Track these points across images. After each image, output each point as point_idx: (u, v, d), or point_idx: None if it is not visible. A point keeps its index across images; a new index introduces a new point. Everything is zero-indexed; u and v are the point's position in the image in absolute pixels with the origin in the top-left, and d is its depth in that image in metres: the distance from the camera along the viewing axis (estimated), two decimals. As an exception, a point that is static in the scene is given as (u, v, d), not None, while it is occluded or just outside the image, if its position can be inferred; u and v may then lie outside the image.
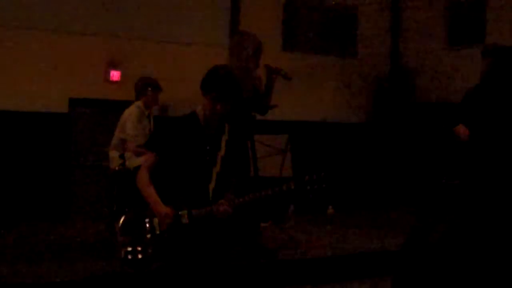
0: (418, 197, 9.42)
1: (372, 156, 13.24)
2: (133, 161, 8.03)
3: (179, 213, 4.83)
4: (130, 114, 8.41)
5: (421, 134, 12.97)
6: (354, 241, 9.07)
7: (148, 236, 4.87)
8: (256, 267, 7.21)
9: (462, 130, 7.07)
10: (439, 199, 8.66)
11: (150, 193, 4.89)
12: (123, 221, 5.02)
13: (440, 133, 8.96)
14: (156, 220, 4.88)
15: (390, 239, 9.20)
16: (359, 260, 8.22)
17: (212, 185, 4.93)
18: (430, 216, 6.99)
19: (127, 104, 8.80)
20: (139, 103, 8.49)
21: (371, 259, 8.28)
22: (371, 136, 13.41)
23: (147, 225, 4.90)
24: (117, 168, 8.07)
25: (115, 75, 11.25)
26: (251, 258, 7.39)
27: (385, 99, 13.59)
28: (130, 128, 8.28)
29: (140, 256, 4.84)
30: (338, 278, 7.79)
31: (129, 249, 4.85)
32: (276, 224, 9.37)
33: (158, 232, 4.87)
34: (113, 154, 8.32)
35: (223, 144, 5.00)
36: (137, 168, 7.70)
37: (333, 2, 13.47)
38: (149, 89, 8.47)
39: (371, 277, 7.93)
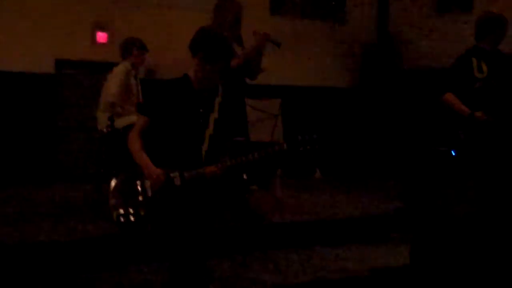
0: (405, 164, 9.47)
1: (360, 122, 13.25)
2: (121, 121, 7.99)
3: (171, 175, 4.83)
4: (116, 73, 8.37)
5: (409, 100, 12.99)
6: (341, 206, 9.11)
7: (140, 198, 4.87)
8: (244, 231, 7.23)
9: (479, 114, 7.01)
10: (426, 165, 8.72)
11: (141, 156, 4.89)
12: (114, 184, 5.01)
13: (430, 100, 8.95)
14: (148, 182, 4.87)
15: (377, 204, 9.26)
16: (347, 225, 8.27)
17: (205, 147, 4.93)
18: (448, 186, 7.00)
19: (113, 66, 8.75)
20: (126, 63, 8.45)
21: (358, 225, 8.33)
22: (359, 102, 13.41)
23: (139, 187, 4.89)
24: (105, 130, 8.02)
25: (102, 36, 11.15)
26: (240, 222, 7.41)
27: (374, 64, 13.58)
28: (113, 87, 8.25)
29: (132, 219, 4.83)
30: (325, 242, 7.82)
31: (121, 211, 4.84)
32: (263, 188, 9.36)
33: (150, 195, 4.86)
34: (101, 115, 8.28)
35: (216, 106, 4.99)
36: (126, 128, 7.73)
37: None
38: (135, 48, 8.43)
39: (358, 242, 7.98)
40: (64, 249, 6.59)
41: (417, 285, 6.13)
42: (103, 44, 11.15)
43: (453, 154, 7.72)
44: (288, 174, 10.87)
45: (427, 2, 13.58)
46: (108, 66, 8.95)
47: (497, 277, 5.57)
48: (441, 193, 6.67)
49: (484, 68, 7.13)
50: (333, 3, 13.60)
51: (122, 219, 4.84)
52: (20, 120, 10.54)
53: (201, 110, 4.94)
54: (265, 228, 7.67)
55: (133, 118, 7.69)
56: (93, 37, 11.13)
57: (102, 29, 11.15)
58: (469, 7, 12.57)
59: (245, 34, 7.65)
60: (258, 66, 7.61)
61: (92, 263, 6.57)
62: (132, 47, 8.42)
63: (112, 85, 8.28)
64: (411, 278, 6.27)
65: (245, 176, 7.54)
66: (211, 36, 4.95)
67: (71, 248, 6.61)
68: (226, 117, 5.04)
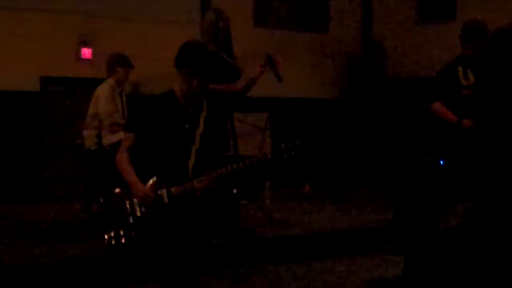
0: (393, 174, 9.46)
1: (346, 133, 13.24)
2: (108, 139, 7.96)
3: (158, 192, 4.78)
4: (102, 91, 8.36)
5: (394, 109, 12.99)
6: (331, 219, 9.09)
7: (130, 218, 4.81)
8: (235, 246, 7.18)
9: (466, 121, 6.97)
10: (415, 175, 8.71)
11: (129, 174, 4.84)
12: (103, 205, 4.97)
13: (415, 108, 8.97)
14: (136, 201, 4.82)
15: (366, 216, 9.25)
16: (337, 237, 8.24)
17: (191, 162, 4.89)
18: (442, 198, 6.93)
19: (99, 82, 8.74)
20: (110, 80, 8.44)
21: (348, 237, 8.31)
22: (345, 112, 13.41)
23: (128, 207, 4.84)
24: (93, 147, 7.98)
25: (86, 53, 11.10)
26: (231, 237, 7.37)
27: (358, 75, 13.58)
28: (102, 106, 8.25)
29: (123, 240, 4.78)
30: (317, 255, 7.80)
31: (112, 233, 4.79)
32: (252, 202, 9.34)
33: (139, 214, 4.81)
34: (87, 133, 8.25)
35: (201, 121, 4.96)
36: (113, 145, 7.70)
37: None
38: (119, 66, 8.42)
39: (349, 254, 7.96)
40: (53, 269, 6.52)
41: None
42: (88, 60, 11.11)
43: (442, 163, 7.72)
44: (277, 187, 10.85)
45: (410, 11, 13.59)
46: (94, 82, 8.92)
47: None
48: (430, 204, 6.64)
49: (470, 76, 7.13)
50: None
51: (113, 242, 4.78)
52: (5, 139, 10.45)
53: (187, 126, 4.90)
54: (257, 243, 7.63)
55: (120, 135, 7.66)
56: (78, 53, 11.08)
57: (87, 45, 11.10)
58: (452, 15, 12.59)
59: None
60: (248, 88, 7.60)
61: (81, 284, 6.50)
62: (114, 65, 8.40)
63: (99, 103, 8.25)
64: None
65: (235, 191, 7.51)
66: (195, 50, 4.90)
67: (59, 269, 6.54)
68: (212, 132, 5.01)
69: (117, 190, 4.96)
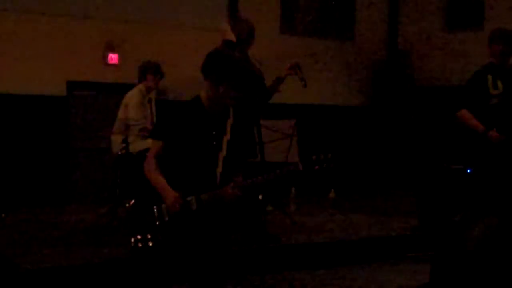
0: (419, 181, 9.43)
1: (373, 140, 13.21)
2: (136, 145, 8.00)
3: (187, 198, 4.79)
4: (132, 97, 8.41)
5: (421, 117, 12.95)
6: (356, 226, 9.06)
7: (157, 223, 4.82)
8: (260, 252, 7.20)
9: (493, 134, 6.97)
10: (440, 183, 8.67)
11: (158, 179, 4.83)
12: (131, 209, 4.98)
13: (443, 117, 8.91)
14: (164, 206, 4.83)
15: (391, 223, 9.21)
16: (362, 244, 8.22)
17: (219, 170, 4.88)
18: (467, 209, 6.91)
19: (125, 87, 8.78)
20: (141, 86, 8.48)
21: (373, 244, 8.28)
22: (371, 119, 13.38)
23: (156, 211, 4.85)
24: (120, 152, 8.01)
25: (113, 58, 11.17)
26: (256, 243, 7.38)
27: (385, 82, 13.54)
28: (132, 112, 8.29)
29: (150, 244, 4.79)
30: (341, 262, 7.78)
31: (139, 237, 4.80)
32: (278, 208, 9.34)
33: (167, 219, 4.82)
34: (115, 138, 8.28)
35: (228, 128, 4.96)
36: (141, 152, 7.73)
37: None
38: (151, 73, 8.46)
39: (374, 262, 7.94)
40: (79, 273, 6.55)
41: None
42: (114, 65, 11.17)
43: (469, 172, 7.69)
44: (302, 194, 10.84)
45: (437, 19, 13.54)
46: (119, 87, 8.96)
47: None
48: (458, 213, 6.60)
49: (500, 84, 7.10)
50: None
51: (139, 245, 4.79)
52: (32, 143, 10.53)
53: (213, 133, 4.91)
54: (282, 249, 7.63)
55: (148, 142, 7.70)
56: (104, 58, 11.14)
57: (113, 50, 11.16)
58: (479, 24, 12.53)
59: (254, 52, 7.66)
60: (274, 89, 7.62)
61: None
62: (146, 72, 8.45)
63: (129, 109, 8.29)
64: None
65: (260, 197, 7.52)
66: (223, 58, 4.91)
67: (85, 272, 6.57)
68: (239, 139, 5.01)
69: (144, 195, 4.99)
